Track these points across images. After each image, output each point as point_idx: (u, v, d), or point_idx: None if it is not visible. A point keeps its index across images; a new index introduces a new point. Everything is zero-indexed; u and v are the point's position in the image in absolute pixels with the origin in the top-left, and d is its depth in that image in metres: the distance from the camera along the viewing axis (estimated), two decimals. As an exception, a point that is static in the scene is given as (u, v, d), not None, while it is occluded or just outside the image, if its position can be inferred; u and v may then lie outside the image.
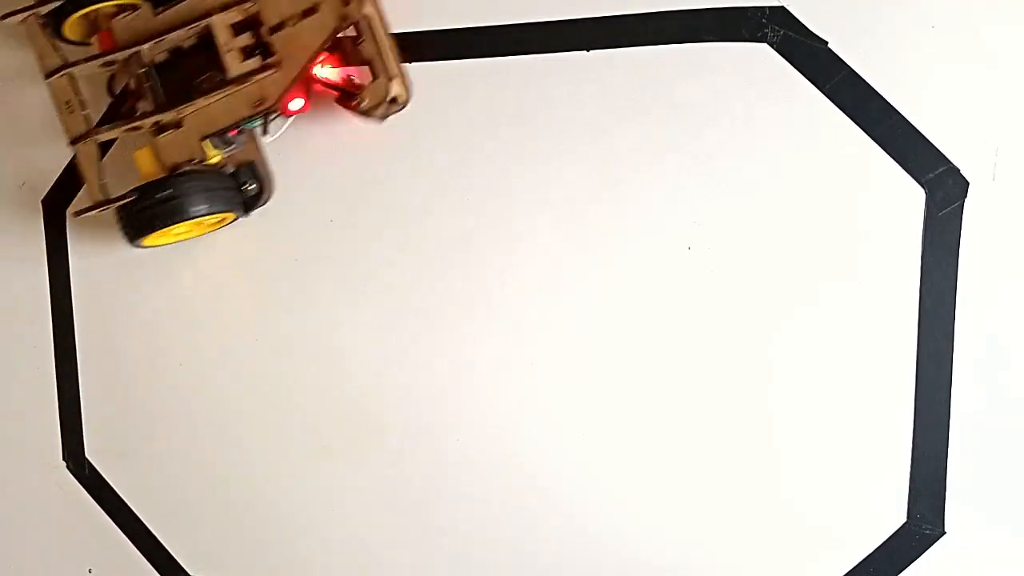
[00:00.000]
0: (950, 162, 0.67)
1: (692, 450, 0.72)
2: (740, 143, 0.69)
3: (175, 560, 0.82)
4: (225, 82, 0.69)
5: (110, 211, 0.71)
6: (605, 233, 0.72)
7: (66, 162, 0.81)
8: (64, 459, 0.84)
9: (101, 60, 0.71)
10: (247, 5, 0.69)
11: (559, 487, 0.74)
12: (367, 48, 0.68)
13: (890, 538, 0.69)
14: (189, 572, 0.82)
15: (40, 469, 0.84)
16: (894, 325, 0.68)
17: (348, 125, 0.75)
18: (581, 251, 0.72)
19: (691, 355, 0.71)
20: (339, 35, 0.68)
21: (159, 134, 0.71)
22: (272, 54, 0.68)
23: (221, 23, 0.69)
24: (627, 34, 0.70)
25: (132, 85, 0.73)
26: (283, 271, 0.78)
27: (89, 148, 0.72)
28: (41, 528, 0.85)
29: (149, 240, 0.72)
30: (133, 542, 0.83)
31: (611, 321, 0.72)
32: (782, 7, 0.68)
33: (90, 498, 0.83)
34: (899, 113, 0.67)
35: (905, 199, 0.68)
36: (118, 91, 0.77)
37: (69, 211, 0.82)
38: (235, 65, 0.68)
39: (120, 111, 0.77)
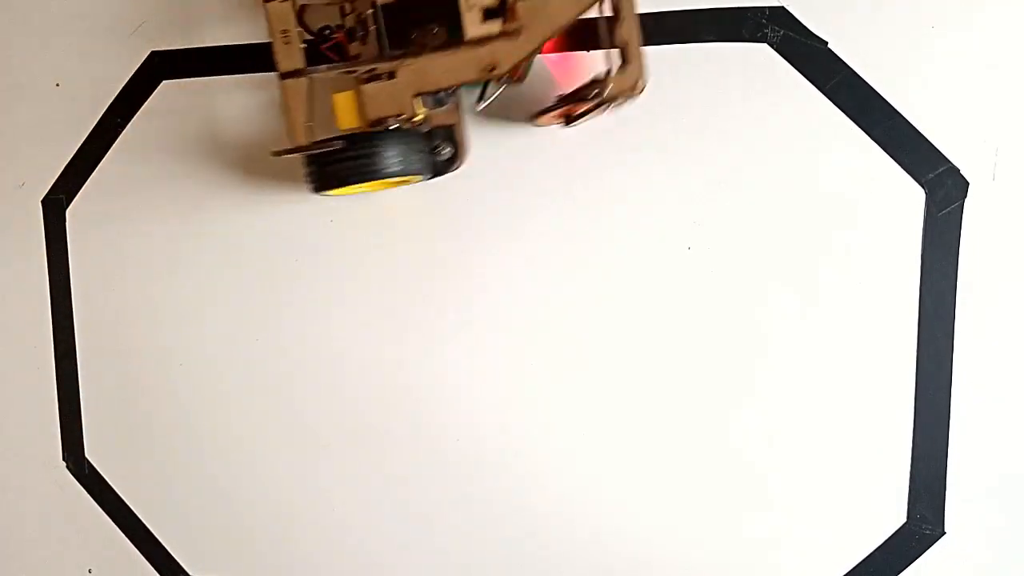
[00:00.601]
0: (950, 162, 0.67)
1: (692, 450, 0.72)
2: (740, 143, 0.69)
3: (175, 560, 0.82)
4: (453, 41, 0.63)
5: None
6: (605, 233, 0.72)
7: (66, 162, 0.81)
8: (64, 459, 0.84)
9: None
10: None
11: (559, 487, 0.74)
12: (621, 31, 0.61)
13: (890, 538, 0.69)
14: (189, 572, 0.82)
15: (40, 469, 0.84)
16: (894, 325, 0.68)
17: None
18: (581, 251, 0.72)
19: (691, 355, 0.71)
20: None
21: (368, 81, 0.66)
22: (513, 19, 0.62)
23: None
24: (627, 34, 0.70)
25: (348, 23, 0.68)
26: (283, 271, 0.77)
27: (299, 86, 0.66)
28: (41, 528, 0.85)
29: (333, 192, 0.70)
30: (133, 542, 0.83)
31: (611, 321, 0.72)
32: (782, 7, 0.68)
33: (90, 498, 0.83)
34: (899, 113, 0.67)
35: (905, 199, 0.68)
36: (316, 29, 0.70)
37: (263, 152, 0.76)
38: (474, 26, 0.63)
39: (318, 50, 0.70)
